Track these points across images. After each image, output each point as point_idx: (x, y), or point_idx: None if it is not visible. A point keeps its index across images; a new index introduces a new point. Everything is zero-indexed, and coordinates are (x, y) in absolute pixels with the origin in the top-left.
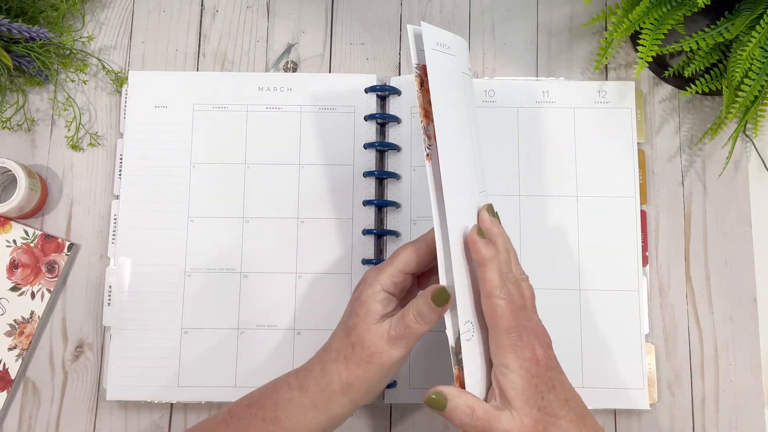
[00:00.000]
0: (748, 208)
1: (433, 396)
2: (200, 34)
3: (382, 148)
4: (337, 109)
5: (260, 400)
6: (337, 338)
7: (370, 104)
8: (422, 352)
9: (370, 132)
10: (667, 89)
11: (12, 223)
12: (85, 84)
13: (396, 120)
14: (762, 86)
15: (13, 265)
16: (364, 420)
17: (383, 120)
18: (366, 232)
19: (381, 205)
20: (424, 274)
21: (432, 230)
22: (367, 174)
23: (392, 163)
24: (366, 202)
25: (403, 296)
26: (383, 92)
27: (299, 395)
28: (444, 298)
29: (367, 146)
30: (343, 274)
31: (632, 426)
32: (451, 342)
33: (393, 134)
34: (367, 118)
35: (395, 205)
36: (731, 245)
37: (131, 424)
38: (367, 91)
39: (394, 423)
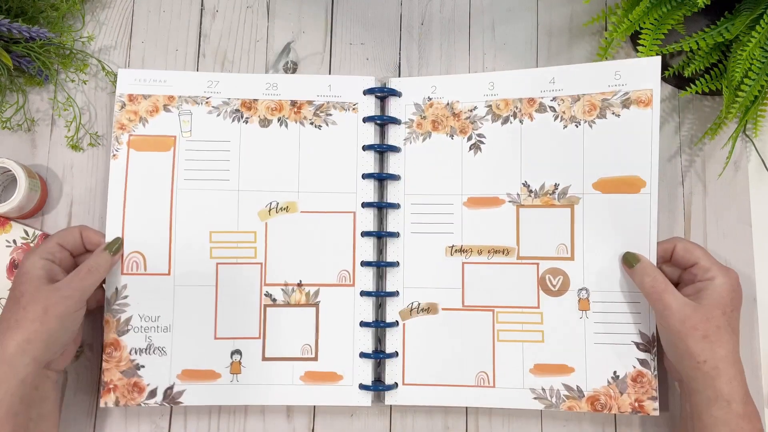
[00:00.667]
0: (748, 208)
1: (631, 253)
2: (200, 34)
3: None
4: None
5: None
6: (5, 311)
7: (369, 106)
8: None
9: (368, 135)
10: (667, 89)
11: (12, 223)
12: (85, 84)
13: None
14: (762, 86)
15: (13, 265)
16: (365, 420)
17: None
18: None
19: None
20: None
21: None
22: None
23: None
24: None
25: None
26: (382, 94)
27: None
28: (117, 247)
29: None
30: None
31: (633, 429)
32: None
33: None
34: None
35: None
36: (731, 245)
37: (131, 424)
38: (365, 93)
39: (394, 423)
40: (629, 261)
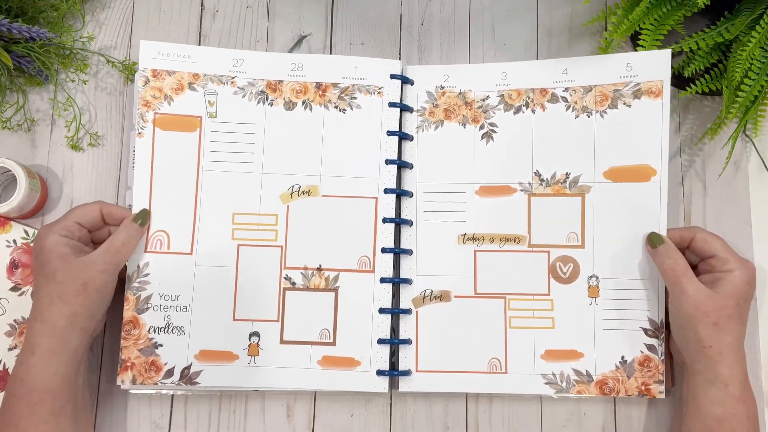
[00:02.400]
0: (748, 208)
1: (656, 234)
2: (200, 34)
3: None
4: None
5: (9, 388)
6: (40, 291)
7: (395, 90)
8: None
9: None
10: None
11: (12, 223)
12: (85, 84)
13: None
14: (762, 86)
15: (13, 265)
16: (365, 420)
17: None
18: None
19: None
20: None
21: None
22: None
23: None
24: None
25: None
26: (405, 81)
27: (35, 357)
28: (145, 218)
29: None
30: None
31: (632, 426)
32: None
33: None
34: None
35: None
36: (731, 245)
37: (131, 424)
38: (392, 77)
39: (394, 423)
40: (653, 241)
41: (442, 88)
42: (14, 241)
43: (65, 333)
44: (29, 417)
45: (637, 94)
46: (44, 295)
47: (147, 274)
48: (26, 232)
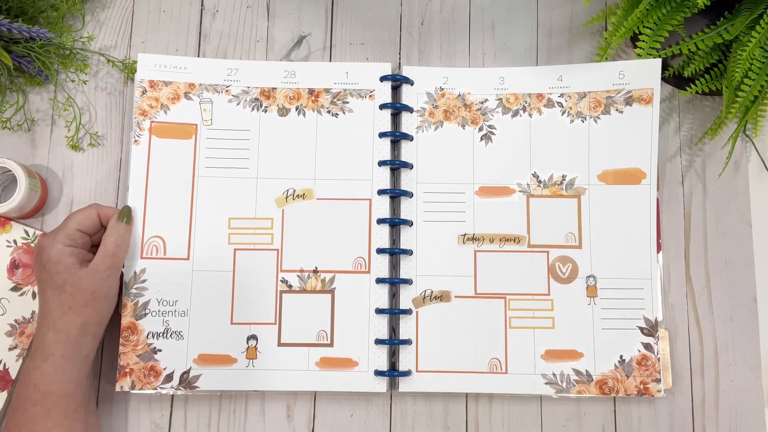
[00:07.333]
0: (748, 208)
1: None
2: (200, 34)
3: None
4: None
5: (21, 393)
6: (51, 302)
7: (386, 93)
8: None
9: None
10: (667, 89)
11: (12, 223)
12: (85, 84)
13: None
14: (762, 86)
15: (13, 265)
16: (365, 420)
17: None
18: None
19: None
20: None
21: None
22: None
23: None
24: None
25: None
26: (395, 82)
27: (49, 364)
28: (129, 216)
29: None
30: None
31: (632, 426)
32: None
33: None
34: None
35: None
36: (731, 245)
37: (131, 424)
38: (382, 79)
39: (394, 423)
40: None
41: (442, 89)
42: (14, 241)
43: (78, 341)
44: (44, 421)
45: (628, 101)
46: (55, 307)
47: (144, 280)
48: (26, 232)
